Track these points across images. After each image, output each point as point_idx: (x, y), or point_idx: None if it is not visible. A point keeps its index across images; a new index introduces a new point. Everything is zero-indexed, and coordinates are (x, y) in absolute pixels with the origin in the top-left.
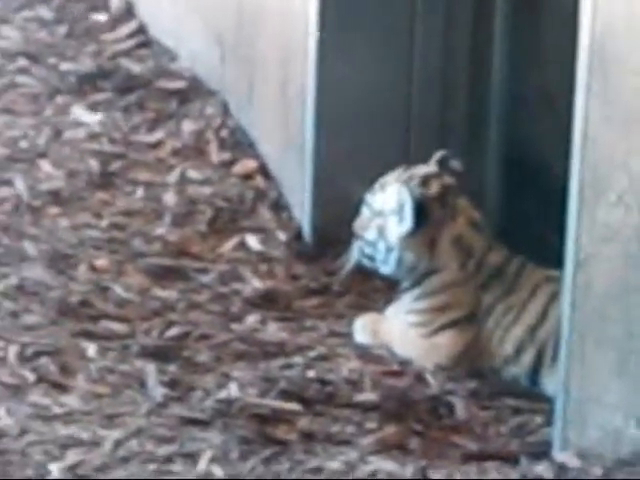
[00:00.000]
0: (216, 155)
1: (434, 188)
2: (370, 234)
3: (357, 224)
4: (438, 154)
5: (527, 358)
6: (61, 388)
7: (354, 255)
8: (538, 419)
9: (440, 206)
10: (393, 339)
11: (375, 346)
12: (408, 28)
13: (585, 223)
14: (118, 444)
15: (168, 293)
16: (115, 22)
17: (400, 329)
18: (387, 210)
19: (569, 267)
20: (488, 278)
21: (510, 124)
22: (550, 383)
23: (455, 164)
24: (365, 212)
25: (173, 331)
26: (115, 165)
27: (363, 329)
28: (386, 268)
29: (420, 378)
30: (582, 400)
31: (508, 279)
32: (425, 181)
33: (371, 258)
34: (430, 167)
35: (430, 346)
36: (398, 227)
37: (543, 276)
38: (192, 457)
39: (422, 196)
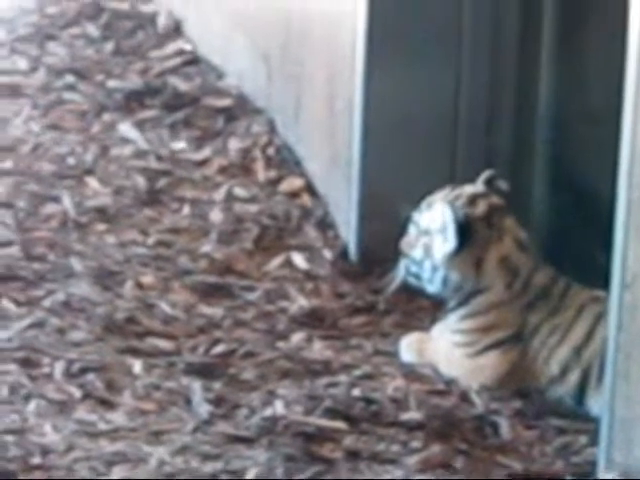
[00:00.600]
0: (262, 173)
1: (481, 208)
2: (417, 253)
3: (404, 242)
4: (485, 174)
5: (573, 378)
6: (107, 404)
7: (400, 273)
8: (583, 439)
9: (486, 226)
10: (439, 358)
11: (420, 365)
12: (456, 46)
13: (632, 243)
14: (163, 461)
15: (214, 310)
16: (162, 39)
17: (445, 349)
18: (433, 229)
19: (615, 287)
20: (534, 298)
21: (556, 146)
22: (596, 403)
23: (502, 184)
24: (412, 230)
25: (219, 348)
26: (162, 182)
27: (409, 348)
28: (432, 287)
29: (465, 397)
30: (627, 420)
31: (554, 299)
32: (472, 200)
33: (417, 277)
34: (477, 187)
35: (475, 366)
36: (443, 246)
37: (589, 296)
38: (237, 474)
39: (467, 216)
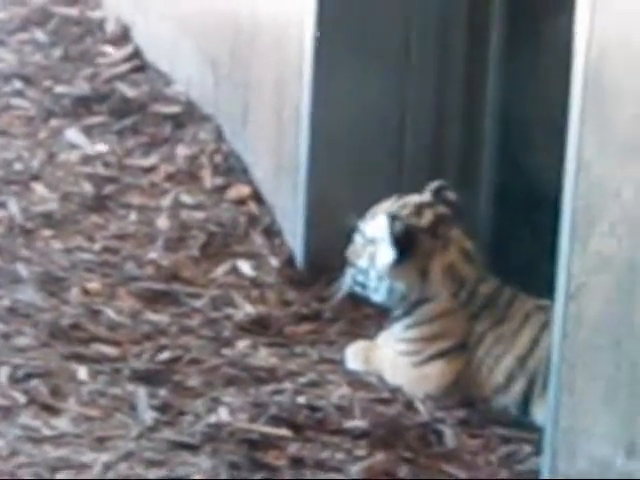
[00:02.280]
0: (209, 180)
1: (426, 218)
2: (363, 262)
3: (350, 251)
4: (433, 184)
5: (517, 388)
6: (52, 410)
7: (347, 282)
8: (527, 448)
9: (431, 236)
10: (384, 367)
11: (366, 373)
12: (403, 54)
13: (577, 252)
14: (108, 467)
15: (160, 317)
16: (111, 46)
17: (391, 357)
18: (378, 238)
19: (560, 297)
20: (479, 308)
21: (505, 151)
22: (540, 413)
23: (450, 195)
24: (358, 240)
25: (164, 355)
26: (109, 189)
27: (355, 356)
28: (378, 296)
29: (410, 406)
30: (571, 430)
31: (499, 309)
32: (418, 210)
33: (363, 286)
34: (424, 196)
35: (420, 375)
36: (385, 257)
37: (534, 305)
38: None
39: (410, 227)
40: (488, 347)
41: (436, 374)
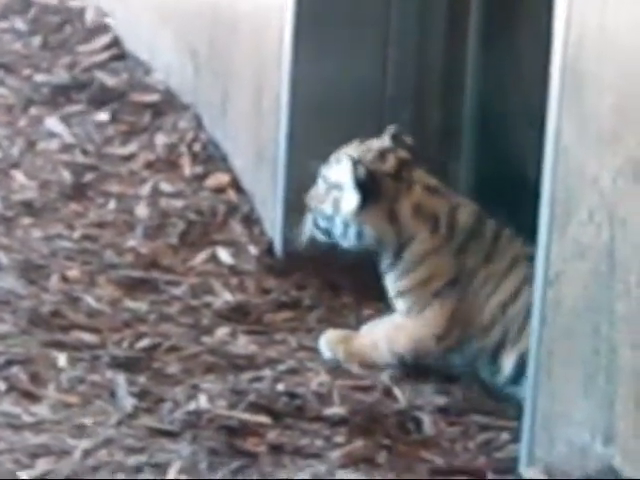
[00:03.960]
0: (189, 168)
1: (390, 162)
2: (327, 208)
3: (312, 196)
4: (390, 128)
5: (495, 334)
6: (31, 397)
7: (308, 228)
8: (505, 435)
9: (395, 180)
10: (369, 350)
11: (343, 362)
12: (383, 41)
13: (555, 239)
14: (88, 454)
15: (139, 305)
16: (90, 34)
17: (384, 331)
18: (341, 184)
19: (539, 283)
20: (464, 240)
21: (484, 125)
22: (508, 365)
23: (407, 139)
24: (321, 185)
25: (143, 342)
26: (88, 177)
27: (332, 346)
28: (346, 242)
29: (389, 393)
30: (549, 416)
31: (486, 242)
32: (381, 155)
33: (328, 232)
34: (384, 141)
35: (420, 324)
36: (349, 202)
37: (522, 251)
38: (161, 468)
39: (374, 171)
40: (480, 284)
41: (434, 317)
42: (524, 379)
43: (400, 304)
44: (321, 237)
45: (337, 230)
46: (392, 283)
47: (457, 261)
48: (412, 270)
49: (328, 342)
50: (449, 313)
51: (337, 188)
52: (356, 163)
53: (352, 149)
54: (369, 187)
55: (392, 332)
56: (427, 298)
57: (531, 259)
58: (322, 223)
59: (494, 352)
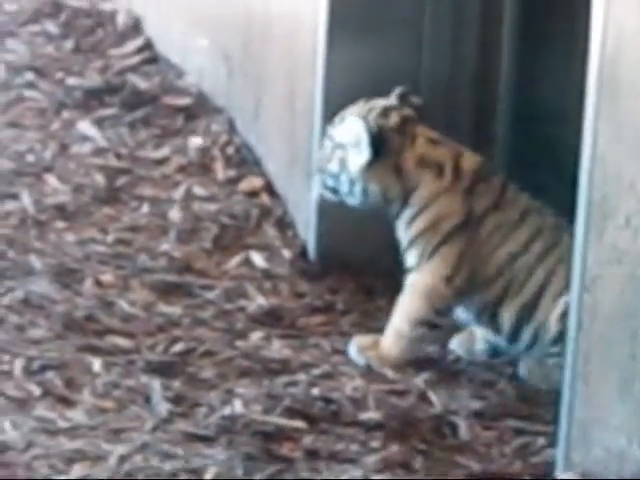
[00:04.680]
0: (222, 172)
1: (393, 119)
2: (333, 166)
3: (319, 157)
4: (398, 89)
5: (498, 286)
6: (66, 402)
7: (318, 189)
8: (541, 440)
9: (399, 135)
10: (397, 334)
11: (376, 368)
12: (417, 45)
13: (592, 245)
14: (123, 459)
15: (173, 309)
16: (122, 38)
17: (399, 311)
18: (347, 142)
19: (575, 289)
20: (471, 183)
21: (517, 130)
22: (505, 321)
23: (414, 99)
24: (327, 144)
25: (178, 347)
26: (121, 180)
27: (359, 352)
28: (353, 200)
29: (424, 397)
30: (586, 421)
31: (494, 190)
32: (384, 112)
33: (335, 191)
34: (390, 100)
35: (430, 271)
36: (357, 159)
37: (531, 204)
38: (196, 473)
39: (380, 127)
40: (490, 229)
41: (443, 258)
42: (521, 336)
43: (411, 256)
44: (330, 196)
45: (343, 188)
46: (403, 232)
47: (465, 203)
48: (420, 213)
49: (358, 349)
50: (458, 254)
51: (342, 147)
52: (368, 120)
53: (356, 108)
54: (376, 143)
55: (405, 304)
56: (436, 242)
57: (540, 212)
58: (329, 182)
59: (495, 306)
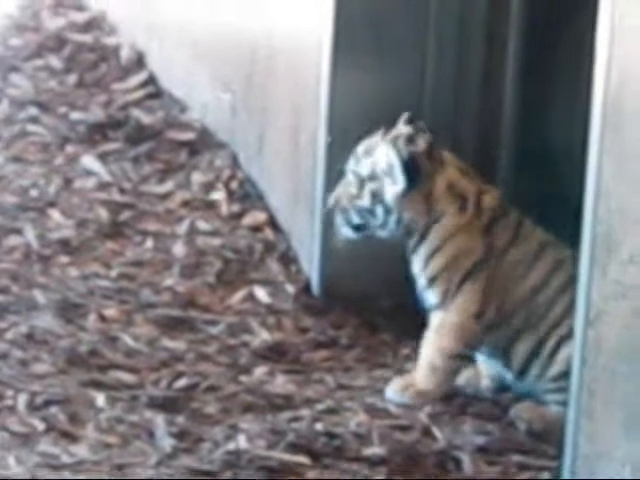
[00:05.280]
0: (225, 207)
1: (420, 144)
2: (364, 202)
3: (339, 196)
4: (404, 116)
5: (518, 319)
6: (70, 437)
7: (343, 230)
8: (545, 475)
9: (429, 161)
10: (430, 367)
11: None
12: (419, 82)
13: (596, 279)
14: None
15: (177, 344)
16: (125, 72)
17: (428, 346)
18: (379, 173)
19: (579, 323)
20: (490, 220)
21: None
22: (518, 354)
23: (421, 124)
24: (351, 181)
25: (182, 382)
26: (125, 215)
27: (398, 396)
28: (385, 232)
29: (427, 432)
30: (590, 456)
31: (511, 225)
32: (411, 139)
33: (361, 227)
34: (406, 128)
35: (458, 311)
36: (393, 188)
37: (547, 237)
38: None
39: (411, 153)
40: (510, 265)
41: (469, 297)
42: (530, 371)
43: (434, 295)
44: (352, 235)
45: (377, 221)
46: (420, 269)
47: (485, 240)
48: (441, 248)
49: (396, 393)
50: (482, 290)
51: (373, 179)
52: (398, 148)
53: (379, 138)
54: (410, 170)
55: (435, 340)
56: (458, 280)
57: (556, 245)
58: (356, 219)
59: (511, 340)
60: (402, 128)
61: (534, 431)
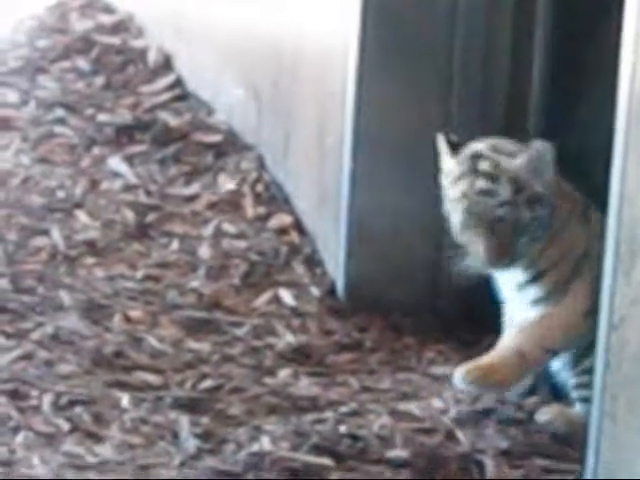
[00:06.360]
0: (251, 209)
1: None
2: (524, 217)
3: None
4: (442, 134)
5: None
6: (95, 438)
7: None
8: (569, 479)
9: None
10: (518, 352)
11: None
12: (447, 82)
13: (620, 284)
14: None
15: (201, 345)
16: (153, 74)
17: (529, 331)
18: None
19: (603, 328)
20: (584, 210)
21: None
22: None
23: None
24: (489, 206)
25: (206, 383)
26: (151, 217)
27: (469, 375)
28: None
29: (451, 436)
30: (613, 460)
31: (589, 218)
32: (511, 153)
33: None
34: (486, 146)
35: (568, 307)
36: (541, 183)
37: None
38: None
39: None
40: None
41: (579, 292)
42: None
43: (538, 290)
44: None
45: (540, 232)
46: (527, 265)
47: (586, 232)
48: (550, 245)
49: (466, 380)
50: (591, 285)
51: (522, 190)
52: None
53: (488, 151)
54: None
55: (537, 332)
56: (568, 272)
57: None
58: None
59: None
60: (492, 142)
61: (559, 433)
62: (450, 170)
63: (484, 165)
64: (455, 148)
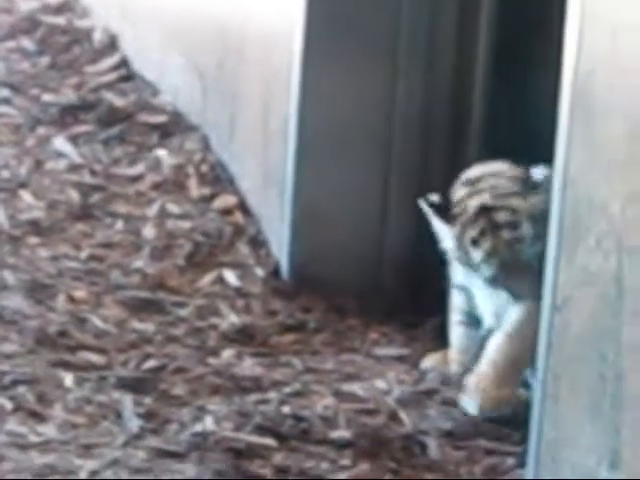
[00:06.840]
0: (196, 190)
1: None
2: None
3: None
4: (425, 202)
5: None
6: (38, 417)
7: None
8: (511, 460)
9: None
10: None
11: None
12: (391, 64)
13: (563, 266)
14: (94, 474)
15: (145, 326)
16: (98, 55)
17: None
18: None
19: (546, 309)
20: None
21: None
22: None
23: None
24: (520, 249)
25: (150, 363)
26: (95, 197)
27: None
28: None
29: (394, 416)
30: (555, 441)
31: None
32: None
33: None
34: (486, 167)
35: None
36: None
37: None
38: None
39: None
40: None
41: None
42: None
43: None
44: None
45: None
46: None
47: None
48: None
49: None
50: None
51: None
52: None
53: (494, 177)
54: None
55: (522, 335)
56: None
57: None
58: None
59: None
60: (494, 166)
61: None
62: (461, 234)
63: (502, 217)
64: (441, 210)
